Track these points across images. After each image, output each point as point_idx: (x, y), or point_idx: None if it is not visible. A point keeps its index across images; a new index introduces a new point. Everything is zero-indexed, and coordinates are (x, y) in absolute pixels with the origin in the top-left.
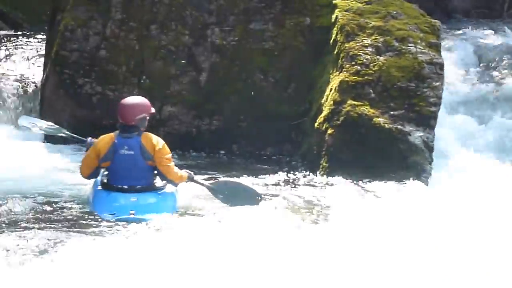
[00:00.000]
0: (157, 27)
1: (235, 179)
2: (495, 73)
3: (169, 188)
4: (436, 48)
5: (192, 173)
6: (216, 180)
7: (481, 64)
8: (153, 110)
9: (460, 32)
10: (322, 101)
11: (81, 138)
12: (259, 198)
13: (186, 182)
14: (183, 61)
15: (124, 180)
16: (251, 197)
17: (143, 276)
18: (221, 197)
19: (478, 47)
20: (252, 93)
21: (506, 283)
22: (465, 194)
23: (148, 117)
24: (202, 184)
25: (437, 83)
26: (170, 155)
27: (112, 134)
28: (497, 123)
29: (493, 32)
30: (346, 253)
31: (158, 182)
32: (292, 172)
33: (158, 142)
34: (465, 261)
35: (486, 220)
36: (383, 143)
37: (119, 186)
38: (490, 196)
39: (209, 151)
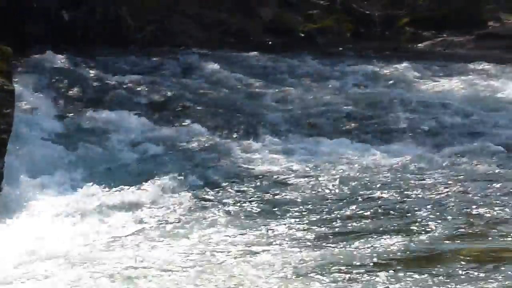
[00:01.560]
0: None
1: None
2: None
3: None
4: (8, 75)
5: None
6: None
7: (58, 92)
8: None
9: (37, 58)
10: None
11: None
12: None
13: None
14: None
15: None
16: None
17: None
18: None
19: (56, 74)
20: None
21: None
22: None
23: None
24: None
25: (8, 110)
26: None
27: None
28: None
29: (69, 60)
30: None
31: None
32: None
33: None
34: None
35: None
36: None
37: None
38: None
39: None
